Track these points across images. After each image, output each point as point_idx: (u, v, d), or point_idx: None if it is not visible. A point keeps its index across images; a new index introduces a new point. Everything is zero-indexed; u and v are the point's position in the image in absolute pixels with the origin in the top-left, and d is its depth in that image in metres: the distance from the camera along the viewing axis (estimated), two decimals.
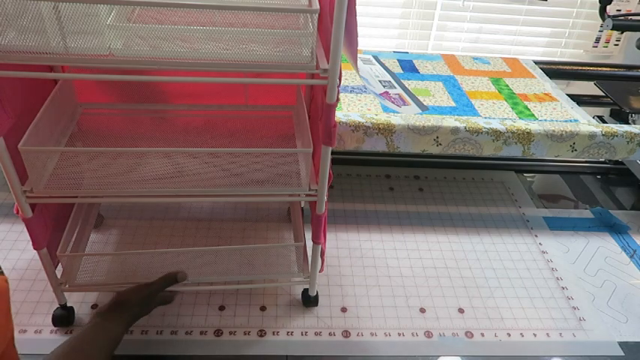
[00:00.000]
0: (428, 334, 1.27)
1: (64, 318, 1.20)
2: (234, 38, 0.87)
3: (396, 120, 1.40)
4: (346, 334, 1.25)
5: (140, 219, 1.54)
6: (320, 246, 1.17)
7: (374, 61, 1.84)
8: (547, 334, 1.30)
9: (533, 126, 1.44)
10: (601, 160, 2.02)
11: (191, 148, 1.09)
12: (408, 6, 2.11)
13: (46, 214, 1.10)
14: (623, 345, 1.28)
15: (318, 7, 0.88)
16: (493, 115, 1.55)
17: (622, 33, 2.25)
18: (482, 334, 1.28)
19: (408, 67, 1.83)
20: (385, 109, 1.52)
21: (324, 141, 0.98)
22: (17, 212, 1.01)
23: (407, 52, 1.97)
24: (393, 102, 1.56)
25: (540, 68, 1.92)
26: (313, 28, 0.88)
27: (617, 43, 2.28)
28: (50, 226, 1.13)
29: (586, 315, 1.36)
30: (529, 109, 1.61)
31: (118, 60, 0.86)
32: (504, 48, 2.27)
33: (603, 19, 1.77)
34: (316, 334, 1.24)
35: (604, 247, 1.62)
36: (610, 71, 2.04)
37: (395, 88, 1.65)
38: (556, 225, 1.69)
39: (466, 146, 1.44)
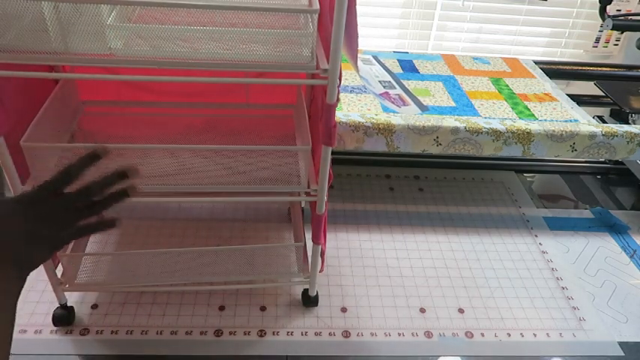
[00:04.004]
0: (428, 334, 1.27)
1: (64, 318, 1.20)
2: (235, 38, 0.88)
3: (396, 120, 1.40)
4: (346, 334, 1.25)
5: (140, 219, 1.54)
6: (320, 246, 1.17)
7: (374, 61, 1.84)
8: (547, 334, 1.30)
9: (533, 126, 1.44)
10: (601, 160, 2.02)
11: (192, 145, 1.09)
12: (408, 6, 2.11)
13: None
14: (623, 345, 1.28)
15: (318, 7, 0.88)
16: (493, 115, 1.55)
17: (622, 33, 2.25)
18: (483, 334, 1.28)
19: (408, 67, 1.83)
20: (385, 109, 1.52)
21: (324, 141, 0.98)
22: None
23: (407, 52, 1.97)
24: (393, 102, 1.56)
25: (540, 68, 1.92)
26: (313, 28, 0.88)
27: (617, 43, 2.28)
28: None
29: (586, 315, 1.36)
30: (529, 109, 1.61)
31: (118, 60, 0.86)
32: (504, 48, 2.27)
33: (603, 19, 1.77)
34: (316, 334, 1.24)
35: (604, 247, 1.62)
36: (610, 71, 2.04)
37: (395, 88, 1.65)
38: (556, 225, 1.69)
39: (466, 146, 1.44)
